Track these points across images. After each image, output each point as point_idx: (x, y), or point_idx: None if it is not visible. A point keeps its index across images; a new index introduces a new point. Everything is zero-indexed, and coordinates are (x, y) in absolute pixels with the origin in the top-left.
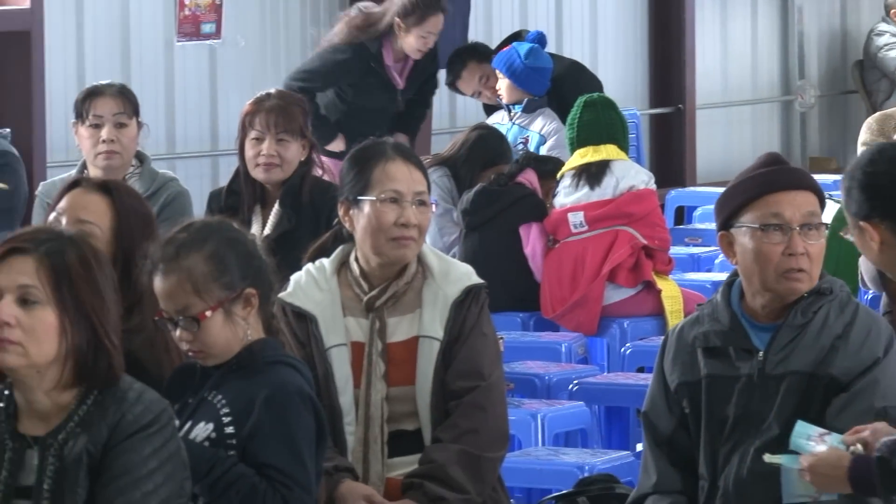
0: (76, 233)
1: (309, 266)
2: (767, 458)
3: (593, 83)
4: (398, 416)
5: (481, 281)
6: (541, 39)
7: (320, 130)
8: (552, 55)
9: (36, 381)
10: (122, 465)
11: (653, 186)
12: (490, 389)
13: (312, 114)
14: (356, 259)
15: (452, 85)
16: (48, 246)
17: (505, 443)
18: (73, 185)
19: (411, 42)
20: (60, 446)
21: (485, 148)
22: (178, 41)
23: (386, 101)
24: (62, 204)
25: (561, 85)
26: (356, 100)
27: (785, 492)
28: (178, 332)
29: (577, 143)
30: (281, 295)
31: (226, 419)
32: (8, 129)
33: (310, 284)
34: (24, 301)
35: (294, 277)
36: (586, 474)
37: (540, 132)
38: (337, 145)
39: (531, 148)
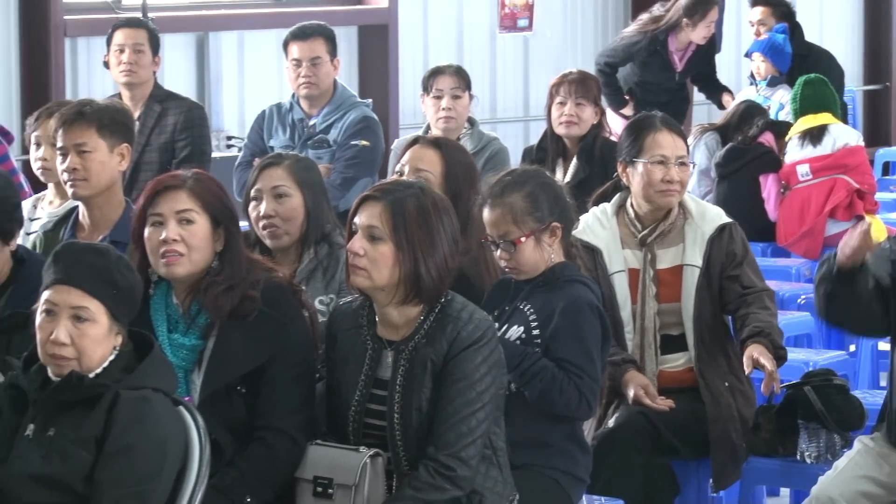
0: (424, 186)
1: (594, 209)
2: None
3: (837, 69)
4: (666, 325)
5: (730, 220)
6: (785, 30)
7: (616, 98)
8: (811, 44)
9: (382, 298)
10: (461, 371)
11: (862, 143)
12: (769, 292)
13: (612, 86)
14: (631, 204)
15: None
16: (394, 195)
17: None
18: (413, 142)
19: (699, 33)
20: (410, 352)
21: (750, 115)
22: (500, 33)
23: (665, 78)
24: (405, 157)
25: (813, 68)
26: (642, 75)
27: None
28: (498, 253)
29: (799, 113)
30: (573, 232)
31: (533, 323)
32: (370, 99)
33: (595, 223)
34: (371, 237)
35: (583, 218)
36: (810, 368)
37: (780, 101)
38: (627, 110)
39: (772, 115)
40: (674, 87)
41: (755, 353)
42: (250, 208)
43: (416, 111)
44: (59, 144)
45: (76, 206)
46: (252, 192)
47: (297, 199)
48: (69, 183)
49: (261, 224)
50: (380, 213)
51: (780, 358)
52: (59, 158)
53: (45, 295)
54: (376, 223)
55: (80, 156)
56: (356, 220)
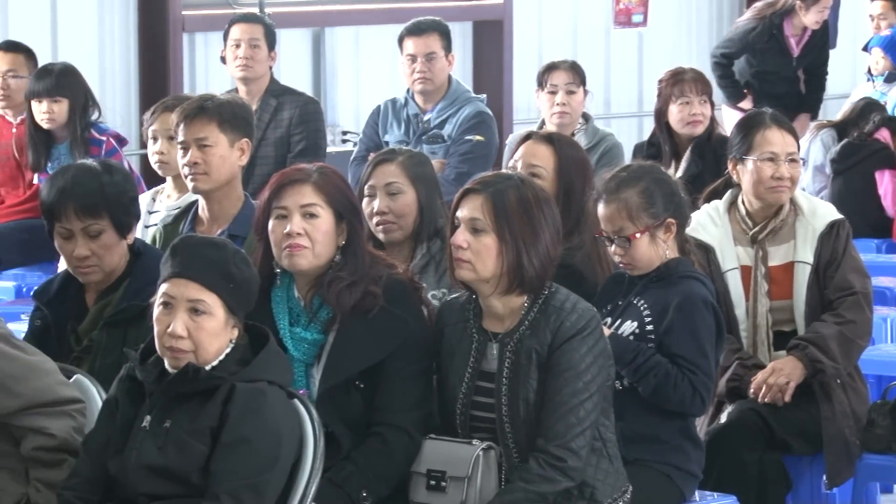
0: (524, 177)
1: (706, 206)
2: None
3: None
4: (778, 321)
5: (841, 216)
6: None
7: (734, 91)
8: None
9: (485, 289)
10: (566, 361)
11: None
12: (866, 296)
13: (729, 78)
14: (742, 201)
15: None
16: (495, 188)
17: (869, 337)
18: (526, 137)
19: (811, 17)
20: (515, 344)
21: (869, 112)
22: (615, 28)
23: (782, 65)
24: (518, 153)
25: None
26: (759, 65)
27: None
28: (613, 248)
29: None
30: (686, 230)
31: (647, 319)
32: (484, 95)
33: (707, 221)
34: (474, 230)
35: (694, 216)
36: None
37: None
38: (746, 104)
39: (889, 111)
40: (791, 77)
41: (772, 366)
42: (364, 204)
43: (531, 106)
44: (181, 139)
45: (195, 200)
46: (366, 189)
47: (410, 195)
48: (190, 177)
49: (374, 220)
50: (481, 206)
51: (817, 371)
52: (179, 153)
53: (163, 288)
54: (478, 215)
55: (201, 150)
56: (458, 213)
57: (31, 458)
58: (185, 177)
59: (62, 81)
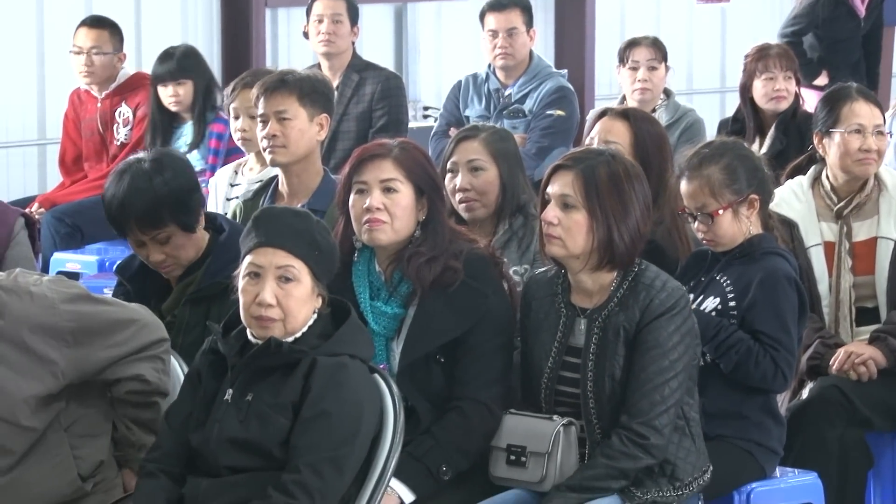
0: (615, 153)
1: (789, 182)
2: None
3: None
4: (861, 297)
5: None
6: None
7: (808, 69)
8: None
9: (575, 265)
10: (654, 339)
11: None
12: None
13: (802, 56)
14: (827, 176)
15: None
16: (586, 164)
17: None
18: (602, 114)
19: None
20: (603, 320)
21: None
22: (698, 3)
23: (851, 29)
24: (594, 130)
25: None
26: (829, 35)
27: None
28: (695, 224)
29: None
30: (770, 206)
31: (729, 295)
32: (566, 70)
33: (790, 196)
34: (565, 206)
35: (778, 191)
36: None
37: None
38: (821, 80)
39: None
40: (861, 41)
41: (854, 344)
42: (446, 180)
43: (612, 82)
44: (260, 111)
45: (275, 176)
46: (448, 165)
47: (492, 171)
48: (268, 150)
49: (457, 197)
50: (572, 182)
51: None
52: (259, 125)
53: (249, 258)
54: (569, 192)
55: (281, 123)
56: (549, 189)
57: (122, 399)
58: (264, 149)
59: (184, 64)
